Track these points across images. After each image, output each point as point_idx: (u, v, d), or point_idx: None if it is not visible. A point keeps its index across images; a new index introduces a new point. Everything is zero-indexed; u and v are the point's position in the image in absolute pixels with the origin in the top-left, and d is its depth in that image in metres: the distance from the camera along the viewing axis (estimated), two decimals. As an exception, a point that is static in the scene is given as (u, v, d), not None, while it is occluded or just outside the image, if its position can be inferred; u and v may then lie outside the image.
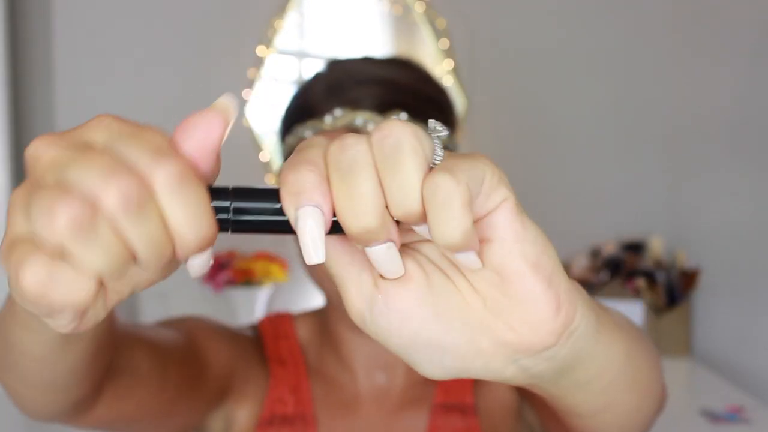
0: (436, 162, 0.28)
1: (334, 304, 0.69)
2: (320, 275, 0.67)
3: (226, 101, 0.27)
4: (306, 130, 0.65)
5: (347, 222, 0.27)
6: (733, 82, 1.84)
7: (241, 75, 1.87)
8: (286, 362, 0.72)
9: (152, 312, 1.86)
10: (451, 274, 0.30)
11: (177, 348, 0.61)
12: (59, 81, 1.81)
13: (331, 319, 0.72)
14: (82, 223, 0.23)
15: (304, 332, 0.75)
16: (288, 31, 1.93)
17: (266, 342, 0.74)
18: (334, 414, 0.70)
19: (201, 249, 0.26)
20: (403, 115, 0.64)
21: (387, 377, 0.71)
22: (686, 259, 1.90)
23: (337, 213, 0.27)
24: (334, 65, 0.70)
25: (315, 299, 1.75)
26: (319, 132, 0.65)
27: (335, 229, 0.28)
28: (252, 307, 1.82)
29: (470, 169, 0.27)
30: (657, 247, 1.95)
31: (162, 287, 2.01)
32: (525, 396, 0.68)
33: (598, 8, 2.06)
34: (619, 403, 0.38)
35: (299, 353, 0.73)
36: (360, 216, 0.26)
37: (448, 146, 0.68)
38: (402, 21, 2.00)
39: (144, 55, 1.86)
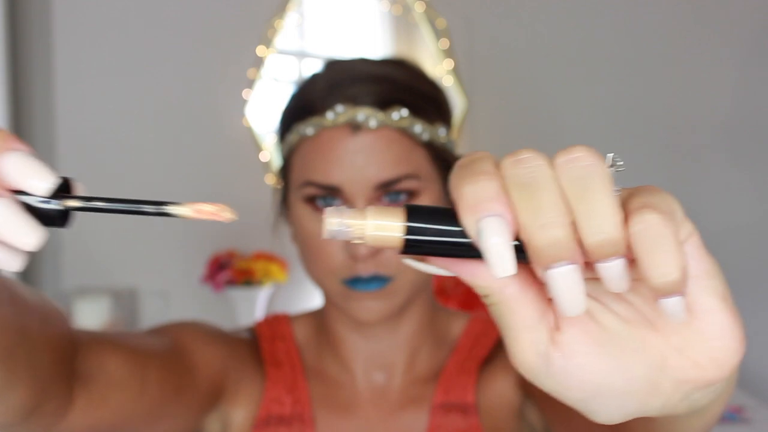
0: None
1: (334, 303, 0.69)
2: (320, 274, 0.66)
3: None
4: (308, 127, 0.65)
5: (532, 234, 0.25)
6: (733, 83, 1.84)
7: (241, 75, 1.87)
8: (283, 363, 0.72)
9: (152, 312, 1.86)
10: (628, 315, 0.29)
11: (159, 353, 0.60)
12: (59, 81, 1.81)
13: (330, 318, 0.72)
14: None
15: (301, 333, 0.75)
16: (288, 31, 1.93)
17: (262, 344, 0.73)
18: (332, 414, 0.70)
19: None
20: (405, 111, 0.64)
21: (386, 377, 0.71)
22: (686, 259, 1.89)
23: (520, 226, 0.25)
24: (333, 65, 0.70)
25: (315, 299, 1.75)
26: (321, 128, 0.65)
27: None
28: (252, 307, 1.82)
29: (665, 203, 0.26)
30: (657, 247, 1.95)
31: (162, 287, 2.00)
32: (529, 395, 0.67)
33: (598, 9, 2.06)
34: (710, 425, 0.37)
35: (296, 354, 0.73)
36: (547, 226, 0.25)
37: (446, 145, 0.68)
38: (402, 21, 2.00)
39: (144, 56, 1.86)
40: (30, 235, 0.26)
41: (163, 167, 1.87)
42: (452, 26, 1.97)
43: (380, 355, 0.71)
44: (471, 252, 0.26)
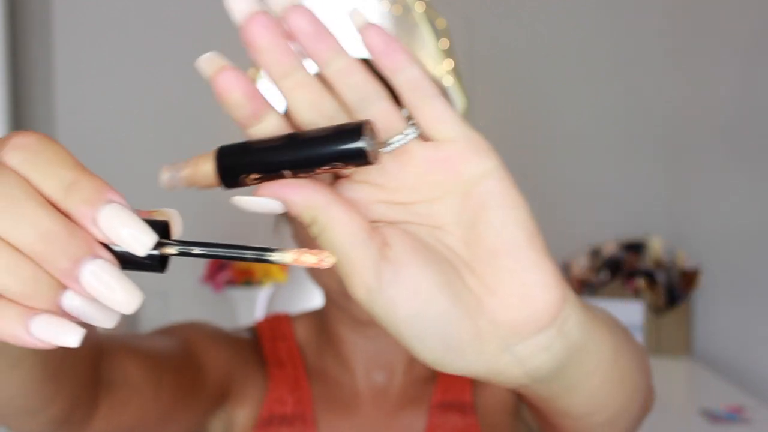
0: None
1: (335, 302, 0.69)
2: (320, 273, 0.67)
3: None
4: None
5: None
6: (733, 82, 1.84)
7: (241, 75, 1.87)
8: (285, 363, 0.72)
9: (153, 312, 1.86)
10: (448, 255, 0.30)
11: (172, 356, 0.60)
12: (59, 81, 1.82)
13: (330, 318, 0.72)
14: None
15: (302, 333, 0.75)
16: (288, 31, 1.93)
17: (264, 344, 0.74)
18: (333, 414, 0.70)
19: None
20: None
21: (386, 377, 0.71)
22: (686, 259, 1.90)
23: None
24: None
25: (315, 299, 1.75)
26: None
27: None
28: (252, 307, 1.82)
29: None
30: (657, 247, 1.95)
31: (163, 287, 2.00)
32: (521, 397, 0.68)
33: (598, 9, 2.06)
34: (608, 404, 0.37)
35: (298, 354, 0.73)
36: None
37: None
38: (402, 21, 2.00)
39: (144, 55, 1.86)
40: (128, 298, 0.25)
41: (163, 163, 1.87)
42: (452, 26, 1.97)
43: (380, 355, 0.71)
44: (279, 166, 0.28)
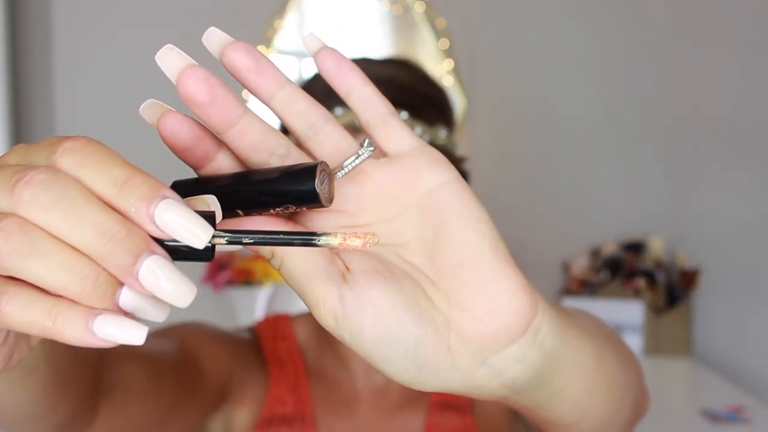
0: None
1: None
2: None
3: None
4: None
5: None
6: (733, 82, 1.84)
7: (241, 75, 1.87)
8: (285, 363, 0.72)
9: (152, 312, 1.86)
10: (412, 273, 0.30)
11: (171, 357, 0.60)
12: (59, 81, 1.82)
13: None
14: (17, 241, 0.23)
15: (302, 333, 0.75)
16: (288, 31, 1.93)
17: (264, 343, 0.74)
18: (333, 414, 0.70)
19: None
20: (404, 114, 0.64)
21: (385, 377, 0.71)
22: (686, 259, 1.90)
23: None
24: None
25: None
26: None
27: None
28: (252, 307, 1.82)
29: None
30: (657, 247, 1.95)
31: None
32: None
33: (597, 9, 2.06)
34: (594, 411, 0.37)
35: (298, 354, 0.73)
36: None
37: (447, 147, 0.67)
38: (402, 21, 2.00)
39: (143, 56, 1.86)
40: (184, 292, 0.25)
41: (164, 167, 1.87)
42: (452, 26, 1.97)
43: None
44: (230, 206, 0.28)
